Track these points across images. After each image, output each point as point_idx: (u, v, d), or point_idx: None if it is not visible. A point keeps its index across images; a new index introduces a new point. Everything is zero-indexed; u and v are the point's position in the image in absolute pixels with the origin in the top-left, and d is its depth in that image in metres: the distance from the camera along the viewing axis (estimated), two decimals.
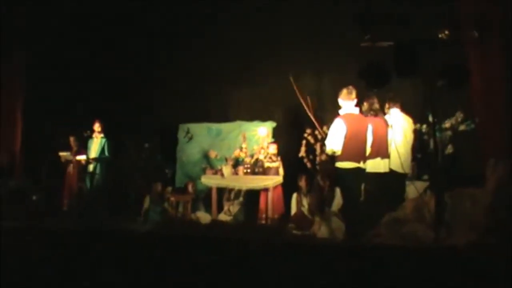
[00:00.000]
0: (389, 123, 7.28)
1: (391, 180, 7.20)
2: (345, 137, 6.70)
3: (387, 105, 7.49)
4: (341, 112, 6.92)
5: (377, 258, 5.43)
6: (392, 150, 7.11)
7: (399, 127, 7.27)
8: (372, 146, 7.06)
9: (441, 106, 7.06)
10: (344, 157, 6.74)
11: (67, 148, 9.76)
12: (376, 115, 7.22)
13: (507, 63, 6.14)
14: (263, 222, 8.69)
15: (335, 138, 6.73)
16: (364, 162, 6.91)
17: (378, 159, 7.15)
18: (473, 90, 6.53)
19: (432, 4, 5.91)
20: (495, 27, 5.52)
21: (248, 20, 10.10)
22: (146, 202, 9.37)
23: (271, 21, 9.94)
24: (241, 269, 5.46)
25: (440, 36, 5.51)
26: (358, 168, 6.80)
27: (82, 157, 9.67)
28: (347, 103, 6.89)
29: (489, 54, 6.23)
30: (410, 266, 5.15)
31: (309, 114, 7.98)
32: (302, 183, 8.85)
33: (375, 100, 7.25)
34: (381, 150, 7.13)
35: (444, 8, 6.05)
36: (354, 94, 6.87)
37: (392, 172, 7.18)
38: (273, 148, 9.41)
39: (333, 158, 6.92)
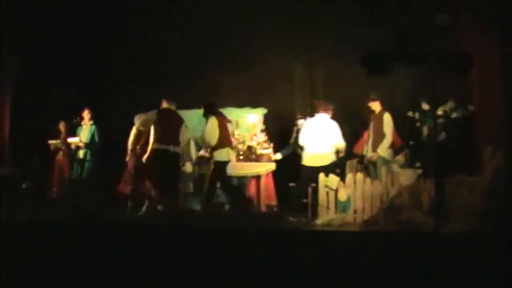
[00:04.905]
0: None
1: None
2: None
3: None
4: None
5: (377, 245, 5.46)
6: None
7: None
8: None
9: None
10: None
11: (56, 135, 9.53)
12: None
13: (504, 52, 6.18)
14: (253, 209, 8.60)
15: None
16: None
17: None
18: (471, 77, 6.55)
19: None
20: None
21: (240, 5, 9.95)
22: None
23: (263, 5, 9.80)
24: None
25: (437, 21, 5.48)
26: None
27: (74, 140, 9.38)
28: None
29: (489, 43, 6.26)
30: (409, 253, 5.18)
31: None
32: None
33: None
34: None
35: None
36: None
37: None
38: (262, 135, 9.39)
39: None
